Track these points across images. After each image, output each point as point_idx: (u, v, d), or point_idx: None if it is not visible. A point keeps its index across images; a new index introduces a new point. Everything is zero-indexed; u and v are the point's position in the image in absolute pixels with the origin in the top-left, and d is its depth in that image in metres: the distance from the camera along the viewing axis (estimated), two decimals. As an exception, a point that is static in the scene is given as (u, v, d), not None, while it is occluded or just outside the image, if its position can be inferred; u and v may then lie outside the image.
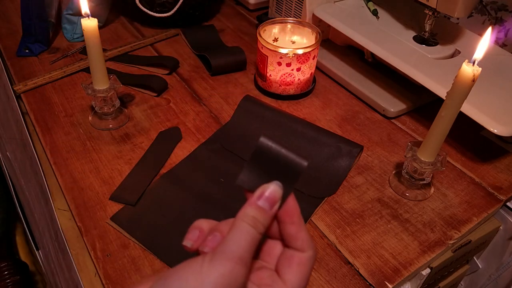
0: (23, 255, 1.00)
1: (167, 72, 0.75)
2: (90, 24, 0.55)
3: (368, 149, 0.61)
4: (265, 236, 0.29)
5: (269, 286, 0.28)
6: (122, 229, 0.49)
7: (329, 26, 0.74)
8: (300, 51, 0.64)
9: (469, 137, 0.64)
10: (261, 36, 0.66)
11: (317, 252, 0.48)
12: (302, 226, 0.29)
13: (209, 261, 0.25)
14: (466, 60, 0.44)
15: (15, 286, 0.88)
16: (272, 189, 0.28)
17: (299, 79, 0.68)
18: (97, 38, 0.56)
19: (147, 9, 0.81)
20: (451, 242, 0.50)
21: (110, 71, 0.69)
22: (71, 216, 0.52)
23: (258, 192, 0.28)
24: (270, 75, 0.68)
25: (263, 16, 0.88)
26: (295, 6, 0.79)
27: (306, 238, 0.29)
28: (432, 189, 0.56)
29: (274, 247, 0.30)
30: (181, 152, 0.59)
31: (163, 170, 0.56)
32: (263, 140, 0.29)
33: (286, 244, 0.29)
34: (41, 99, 0.68)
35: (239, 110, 0.63)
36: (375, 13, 0.73)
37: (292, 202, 0.29)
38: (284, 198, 0.29)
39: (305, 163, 0.28)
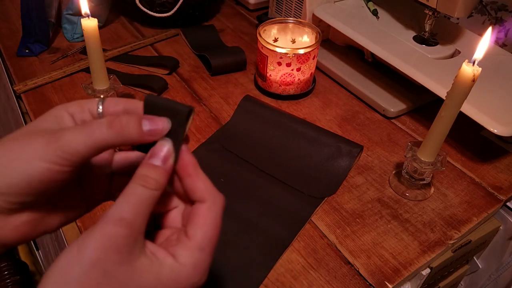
0: (23, 255, 1.00)
1: (167, 72, 0.75)
2: (90, 24, 0.55)
3: (368, 149, 0.61)
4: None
5: (173, 245, 0.26)
6: (122, 229, 0.49)
7: (329, 26, 0.74)
8: (300, 51, 0.64)
9: (469, 137, 0.64)
10: (261, 36, 0.66)
11: (316, 250, 0.48)
12: (199, 176, 0.28)
13: (85, 236, 0.24)
14: (466, 60, 0.44)
15: (15, 286, 0.88)
16: (160, 143, 0.27)
17: (299, 79, 0.68)
18: (97, 38, 0.56)
19: (147, 9, 0.81)
20: (451, 242, 0.50)
21: (110, 71, 0.69)
22: (71, 216, 0.52)
23: (149, 152, 0.27)
24: (270, 75, 0.68)
25: (263, 16, 0.88)
26: (295, 6, 0.79)
27: (203, 187, 0.27)
28: (432, 189, 0.56)
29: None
30: (181, 152, 0.59)
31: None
32: (148, 97, 0.29)
33: (190, 200, 0.28)
34: (41, 99, 0.68)
35: (239, 110, 0.64)
36: (375, 13, 0.73)
37: (186, 156, 0.28)
38: (178, 149, 0.28)
39: (187, 109, 0.28)
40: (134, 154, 0.33)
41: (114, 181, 0.33)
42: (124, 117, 0.27)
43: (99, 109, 0.29)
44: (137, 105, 0.30)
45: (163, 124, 0.28)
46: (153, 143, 0.28)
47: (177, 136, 0.29)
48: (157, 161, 0.27)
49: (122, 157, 0.33)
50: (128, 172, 0.32)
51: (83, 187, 0.32)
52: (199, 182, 0.28)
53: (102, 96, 0.33)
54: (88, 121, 0.29)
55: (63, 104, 0.29)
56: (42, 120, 0.28)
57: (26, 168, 0.25)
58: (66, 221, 0.31)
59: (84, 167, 0.30)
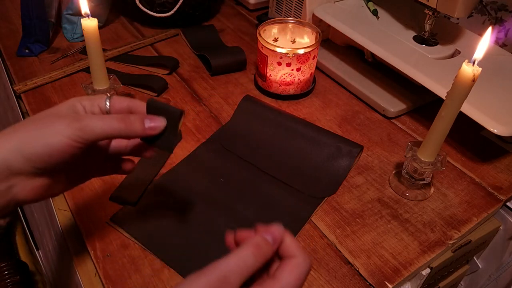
0: (23, 255, 1.00)
1: (167, 72, 0.75)
2: (90, 24, 0.55)
3: (368, 149, 0.61)
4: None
5: (260, 285, 0.29)
6: (122, 229, 0.49)
7: (329, 26, 0.74)
8: (300, 51, 0.64)
9: (469, 137, 0.64)
10: (261, 36, 0.66)
11: (316, 250, 0.48)
12: (288, 236, 0.31)
13: (200, 273, 0.28)
14: (466, 60, 0.44)
15: (15, 286, 0.88)
16: (277, 229, 0.31)
17: (299, 79, 0.68)
18: (97, 38, 0.56)
19: (147, 9, 0.81)
20: (451, 242, 0.50)
21: (110, 71, 0.69)
22: (71, 216, 0.52)
23: (267, 229, 0.31)
24: (270, 75, 0.68)
25: (263, 16, 0.88)
26: (295, 6, 0.79)
27: (295, 246, 0.31)
28: (432, 189, 0.56)
29: None
30: (181, 152, 0.59)
31: (163, 170, 0.56)
32: (150, 100, 0.36)
33: (279, 257, 0.32)
34: (41, 99, 0.68)
35: (239, 110, 0.64)
36: (375, 13, 0.73)
37: (276, 229, 0.31)
38: (172, 140, 0.36)
39: (179, 111, 0.36)
40: (124, 143, 0.40)
41: (108, 161, 0.41)
42: (132, 116, 0.35)
43: (106, 105, 0.36)
44: (139, 103, 0.37)
45: (160, 122, 0.36)
46: (156, 136, 0.36)
47: (171, 131, 0.36)
48: (270, 239, 0.31)
49: (116, 144, 0.40)
50: (118, 155, 0.41)
51: (86, 163, 0.39)
52: (292, 241, 0.31)
53: (109, 94, 0.41)
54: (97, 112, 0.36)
55: (77, 97, 0.36)
56: (60, 107, 0.35)
57: (52, 141, 0.31)
58: (67, 189, 0.38)
59: (90, 148, 0.35)
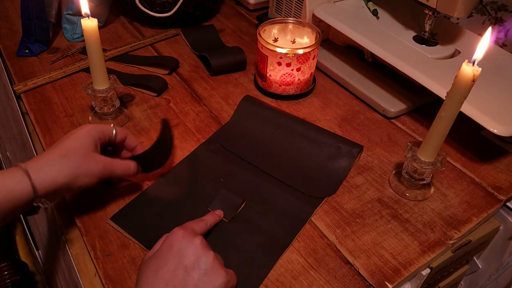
0: (23, 255, 1.00)
1: (167, 72, 0.75)
2: (90, 24, 0.55)
3: (368, 149, 0.61)
4: None
5: None
6: (122, 229, 0.49)
7: (329, 26, 0.74)
8: (300, 51, 0.64)
9: (469, 137, 0.64)
10: (261, 36, 0.66)
11: (316, 250, 0.48)
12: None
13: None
14: (466, 60, 0.44)
15: (15, 286, 0.88)
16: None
17: (299, 79, 0.68)
18: (97, 38, 0.56)
19: (147, 9, 0.81)
20: (451, 242, 0.50)
21: (110, 71, 0.69)
22: (71, 216, 0.52)
23: (212, 212, 0.51)
24: (270, 75, 0.68)
25: (263, 16, 0.88)
26: (295, 6, 0.79)
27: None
28: (432, 189, 0.56)
29: None
30: (181, 152, 0.59)
31: (163, 170, 0.56)
32: (163, 121, 0.56)
33: None
34: (41, 99, 0.68)
35: (239, 110, 0.63)
36: (375, 13, 0.73)
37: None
38: (167, 155, 0.56)
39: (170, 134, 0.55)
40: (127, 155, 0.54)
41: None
42: (132, 163, 0.50)
43: (113, 134, 0.50)
44: (131, 137, 0.53)
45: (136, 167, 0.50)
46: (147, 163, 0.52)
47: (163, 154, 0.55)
48: (217, 214, 0.50)
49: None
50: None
51: None
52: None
53: (112, 125, 0.51)
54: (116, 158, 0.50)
55: (90, 129, 0.47)
56: (86, 141, 0.46)
57: (88, 181, 0.45)
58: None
59: None
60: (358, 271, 0.47)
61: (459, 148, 0.63)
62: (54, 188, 0.42)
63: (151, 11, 0.81)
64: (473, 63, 0.43)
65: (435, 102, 0.68)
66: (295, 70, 0.66)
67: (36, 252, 0.94)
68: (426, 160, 0.51)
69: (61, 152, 0.44)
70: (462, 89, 0.44)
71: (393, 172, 0.58)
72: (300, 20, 0.71)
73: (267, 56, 0.66)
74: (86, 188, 0.45)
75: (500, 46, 0.78)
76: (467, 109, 0.55)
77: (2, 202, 0.39)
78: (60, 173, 0.43)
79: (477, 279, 0.67)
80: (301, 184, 0.55)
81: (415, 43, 0.67)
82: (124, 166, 0.49)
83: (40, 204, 0.42)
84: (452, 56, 0.67)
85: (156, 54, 0.80)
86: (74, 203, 0.52)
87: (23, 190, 0.40)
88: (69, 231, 0.52)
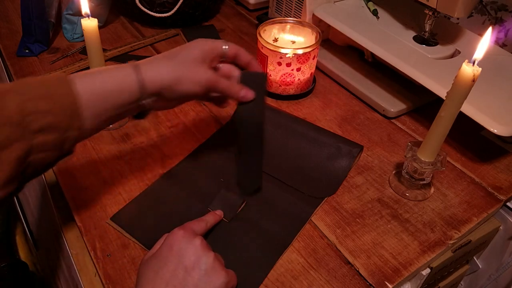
0: (23, 255, 1.00)
1: (167, 72, 0.75)
2: (90, 24, 0.55)
3: (368, 149, 0.61)
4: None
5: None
6: (122, 229, 0.49)
7: (329, 26, 0.74)
8: (300, 51, 0.64)
9: (469, 137, 0.64)
10: (261, 36, 0.66)
11: (317, 250, 0.48)
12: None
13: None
14: (466, 60, 0.44)
15: (15, 286, 0.88)
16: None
17: (299, 79, 0.68)
18: (97, 38, 0.56)
19: (147, 9, 0.81)
20: (451, 242, 0.50)
21: (110, 71, 0.69)
22: (71, 215, 0.52)
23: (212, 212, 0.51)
24: (270, 75, 0.68)
25: (263, 16, 0.88)
26: (295, 6, 0.79)
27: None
28: (432, 189, 0.56)
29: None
30: (181, 152, 0.59)
31: (163, 170, 0.57)
32: (242, 73, 0.51)
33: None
34: (41, 99, 0.68)
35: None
36: (375, 13, 0.73)
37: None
38: (262, 102, 0.51)
39: (263, 75, 0.53)
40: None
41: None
42: (238, 85, 0.49)
43: (225, 48, 0.48)
44: (243, 52, 0.50)
45: (250, 95, 0.49)
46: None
47: (260, 96, 0.50)
48: (218, 214, 0.50)
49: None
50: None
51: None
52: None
53: (222, 41, 0.50)
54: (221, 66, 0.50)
55: (203, 42, 0.47)
56: (195, 50, 0.46)
57: (193, 88, 0.45)
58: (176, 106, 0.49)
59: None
60: (358, 271, 0.47)
61: (459, 148, 0.63)
62: (160, 86, 0.43)
63: (151, 11, 0.81)
64: (473, 63, 0.43)
65: (435, 102, 0.68)
66: (295, 70, 0.66)
67: (36, 252, 0.94)
68: (426, 160, 0.51)
69: (169, 55, 0.45)
70: (462, 89, 0.44)
71: (393, 172, 0.58)
72: (300, 20, 0.71)
73: (267, 56, 0.66)
74: (190, 96, 0.46)
75: (500, 46, 0.78)
76: (467, 109, 0.55)
77: (112, 94, 0.40)
78: (166, 72, 0.43)
79: (477, 279, 0.67)
80: (301, 184, 0.55)
81: (415, 43, 0.67)
82: (230, 84, 0.48)
83: (147, 106, 0.43)
84: (452, 56, 0.67)
85: (156, 54, 0.80)
86: (74, 203, 0.52)
87: (132, 82, 0.41)
88: (69, 231, 0.52)
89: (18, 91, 0.36)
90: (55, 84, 0.37)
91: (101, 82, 0.40)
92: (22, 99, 0.35)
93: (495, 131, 0.53)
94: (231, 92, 0.48)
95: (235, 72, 0.50)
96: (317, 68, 0.76)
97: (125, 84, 0.41)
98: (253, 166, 0.53)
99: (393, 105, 0.67)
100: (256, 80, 0.49)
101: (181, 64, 0.44)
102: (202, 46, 0.46)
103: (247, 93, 0.49)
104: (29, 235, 0.94)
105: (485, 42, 0.44)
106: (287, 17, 0.82)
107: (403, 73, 0.63)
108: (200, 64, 0.45)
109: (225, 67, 0.50)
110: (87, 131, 0.40)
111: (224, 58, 0.49)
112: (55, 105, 0.37)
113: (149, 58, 0.45)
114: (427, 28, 0.67)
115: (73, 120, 0.38)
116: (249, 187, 0.53)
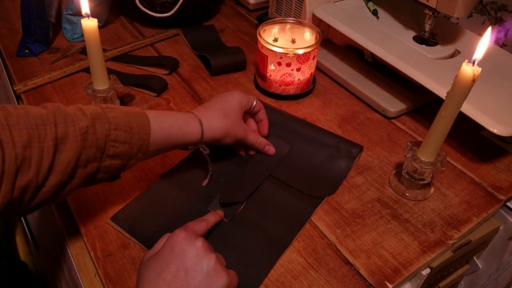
0: (23, 255, 1.00)
1: (167, 72, 0.75)
2: (90, 24, 0.55)
3: (368, 149, 0.61)
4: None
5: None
6: (122, 229, 0.49)
7: (329, 26, 0.74)
8: (300, 51, 0.64)
9: (469, 137, 0.64)
10: (261, 36, 0.66)
11: (317, 250, 0.48)
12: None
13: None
14: (466, 60, 0.44)
15: (15, 286, 0.88)
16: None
17: (299, 79, 0.68)
18: (97, 38, 0.56)
19: (147, 9, 0.81)
20: (451, 242, 0.50)
21: (110, 71, 0.69)
22: (71, 216, 0.52)
23: (212, 212, 0.51)
24: (270, 75, 0.68)
25: (263, 16, 0.88)
26: (295, 6, 0.79)
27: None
28: (432, 189, 0.56)
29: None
30: (181, 152, 0.59)
31: (163, 170, 0.56)
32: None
33: None
34: (41, 99, 0.68)
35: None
36: (375, 13, 0.73)
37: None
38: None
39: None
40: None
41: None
42: (264, 140, 0.58)
43: (254, 105, 0.56)
44: (262, 113, 0.58)
45: (272, 152, 0.59)
46: None
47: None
48: (218, 214, 0.51)
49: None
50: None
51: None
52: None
53: (253, 97, 0.57)
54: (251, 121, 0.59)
55: (242, 96, 0.54)
56: (235, 103, 0.53)
57: (229, 141, 0.53)
58: None
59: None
60: (358, 271, 0.47)
61: (459, 148, 0.63)
62: (212, 138, 0.50)
63: (151, 11, 0.81)
64: (473, 63, 0.43)
65: (435, 102, 0.68)
66: (295, 70, 0.66)
67: (36, 252, 0.94)
68: (426, 160, 0.51)
69: (223, 113, 0.52)
70: (462, 89, 0.44)
71: (393, 172, 0.58)
72: (300, 20, 0.71)
73: (267, 56, 0.66)
74: (224, 145, 0.54)
75: (500, 46, 0.78)
76: (467, 109, 0.55)
77: (177, 138, 0.47)
78: (220, 129, 0.51)
79: (477, 279, 0.67)
80: (301, 184, 0.55)
81: (415, 43, 0.67)
82: (256, 138, 0.57)
83: (202, 149, 0.51)
84: (452, 56, 0.67)
85: (156, 54, 0.80)
86: (74, 203, 0.52)
87: (196, 134, 0.49)
88: (69, 231, 0.52)
89: (109, 118, 0.42)
90: (136, 119, 0.44)
91: (169, 127, 0.47)
92: (109, 127, 0.42)
93: (495, 131, 0.53)
94: (258, 147, 0.57)
95: (254, 125, 0.59)
96: (317, 68, 0.76)
97: (190, 135, 0.48)
98: (241, 188, 0.54)
99: (393, 105, 0.67)
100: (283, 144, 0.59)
101: (230, 122, 0.52)
102: (242, 100, 0.54)
103: (269, 150, 0.58)
104: (29, 235, 0.94)
105: (485, 42, 0.44)
106: (287, 17, 0.82)
107: (403, 73, 0.63)
108: (240, 119, 0.54)
109: (251, 122, 0.59)
110: (143, 160, 0.46)
111: (250, 110, 0.57)
112: (132, 138, 0.43)
113: (206, 109, 0.52)
114: (427, 28, 0.67)
115: (139, 152, 0.44)
116: (230, 199, 0.52)
